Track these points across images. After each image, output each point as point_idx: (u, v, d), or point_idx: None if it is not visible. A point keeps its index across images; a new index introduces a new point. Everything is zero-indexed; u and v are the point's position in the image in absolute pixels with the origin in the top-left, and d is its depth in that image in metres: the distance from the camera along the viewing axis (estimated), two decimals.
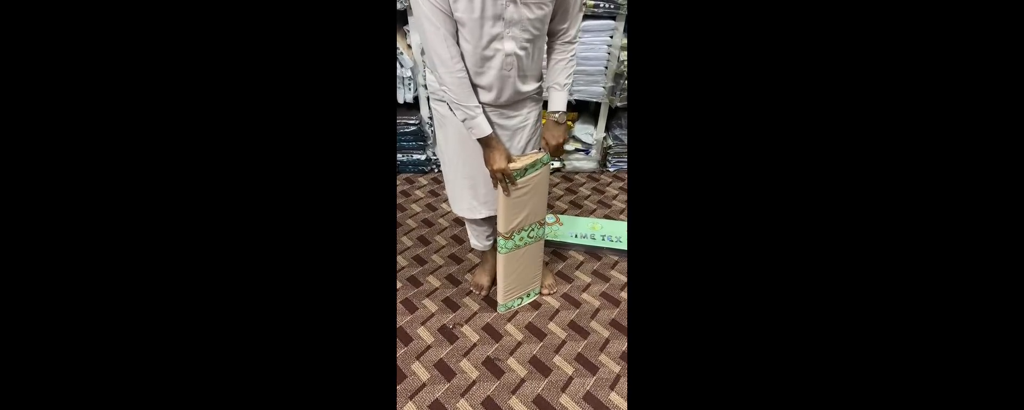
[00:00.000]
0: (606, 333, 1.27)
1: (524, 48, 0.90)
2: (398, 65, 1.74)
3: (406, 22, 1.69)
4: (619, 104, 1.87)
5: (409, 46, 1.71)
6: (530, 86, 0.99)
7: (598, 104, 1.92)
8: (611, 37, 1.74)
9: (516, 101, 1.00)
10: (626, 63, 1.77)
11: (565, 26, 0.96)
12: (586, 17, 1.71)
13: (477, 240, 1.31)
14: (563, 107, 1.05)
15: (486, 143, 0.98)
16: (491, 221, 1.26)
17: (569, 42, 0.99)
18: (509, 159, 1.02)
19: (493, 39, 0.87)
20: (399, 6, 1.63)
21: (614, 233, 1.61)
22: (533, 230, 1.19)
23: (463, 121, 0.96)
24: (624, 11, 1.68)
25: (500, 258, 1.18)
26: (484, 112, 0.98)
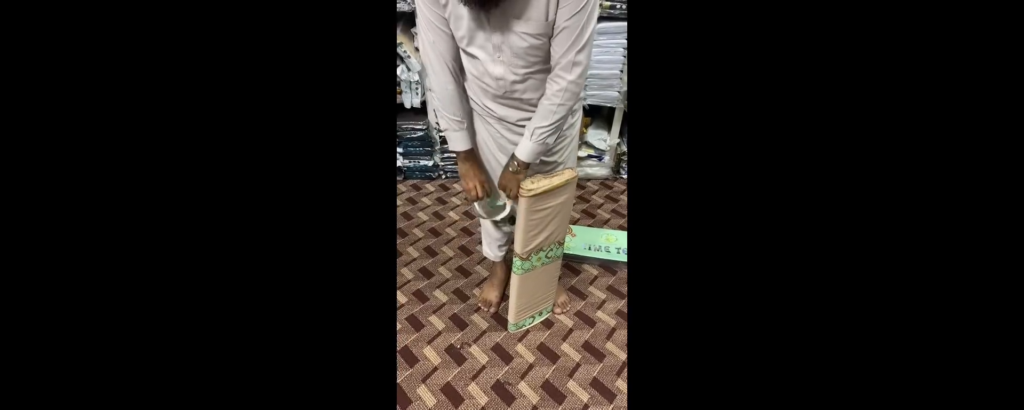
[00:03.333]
0: (623, 355, 1.20)
1: (519, 75, 0.83)
2: (405, 68, 1.68)
3: (414, 23, 1.62)
4: None
5: (417, 48, 1.65)
6: (531, 112, 0.91)
7: (612, 109, 1.85)
8: (626, 39, 1.66)
9: (521, 122, 0.93)
10: None
11: (555, 47, 0.78)
12: (600, 19, 1.64)
13: (490, 249, 1.24)
14: (523, 157, 0.90)
15: (460, 158, 1.00)
16: (507, 229, 1.18)
17: (554, 76, 0.82)
18: (483, 187, 1.02)
19: (484, 59, 0.83)
20: (406, 7, 1.57)
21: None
22: (552, 250, 1.12)
23: (445, 130, 0.97)
24: None
25: (514, 279, 1.11)
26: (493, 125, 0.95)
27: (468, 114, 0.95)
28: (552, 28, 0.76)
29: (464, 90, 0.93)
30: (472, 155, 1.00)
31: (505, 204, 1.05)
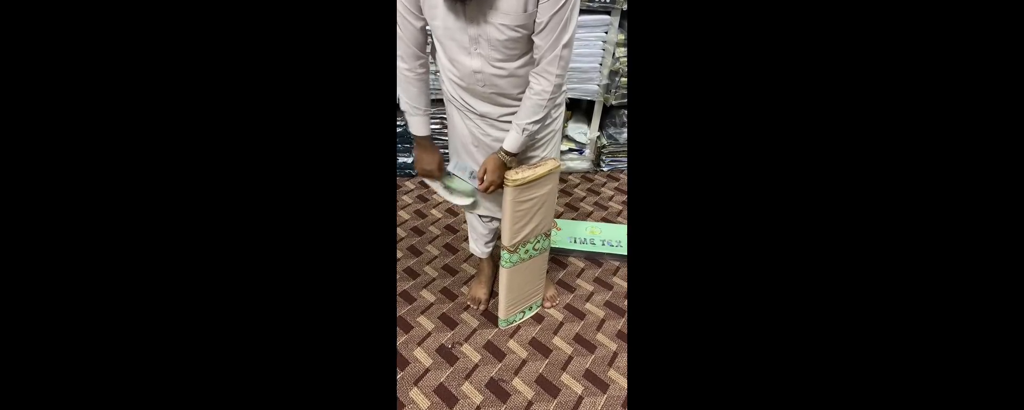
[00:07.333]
0: (613, 346, 1.21)
1: (497, 68, 0.82)
2: None
3: None
4: (614, 102, 1.81)
5: None
6: (515, 106, 0.90)
7: (591, 102, 1.86)
8: (606, 32, 1.67)
9: (503, 118, 0.92)
10: (621, 60, 1.71)
11: (539, 41, 0.77)
12: (580, 11, 1.63)
13: (477, 245, 1.23)
14: (511, 148, 0.89)
15: (417, 143, 0.99)
16: (493, 225, 1.17)
17: (538, 72, 0.80)
18: (440, 164, 1.01)
19: (461, 51, 0.81)
20: None
21: (613, 238, 1.55)
22: (539, 242, 1.12)
23: (404, 111, 0.96)
24: (620, 6, 1.61)
25: (503, 272, 1.10)
26: (473, 119, 0.95)
27: (429, 103, 0.95)
28: (531, 21, 0.75)
29: (427, 79, 0.92)
30: (430, 141, 0.99)
31: (470, 189, 1.05)
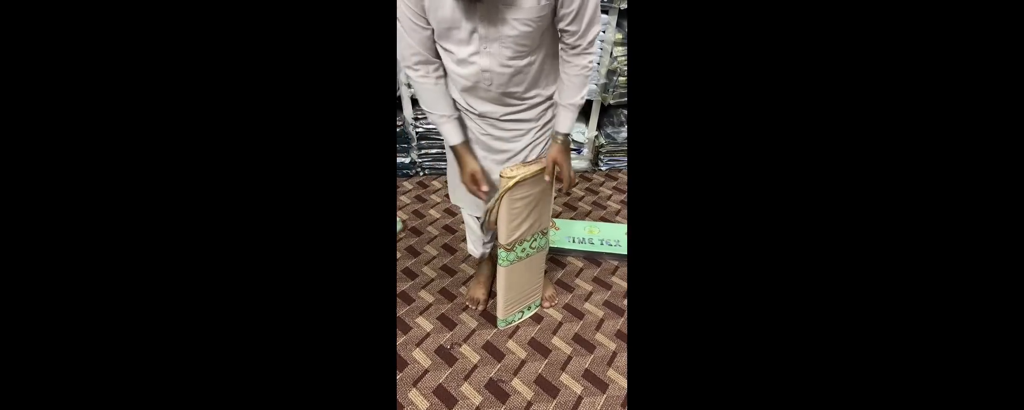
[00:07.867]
0: (612, 346, 1.21)
1: (507, 66, 0.82)
2: None
3: None
4: (612, 101, 1.81)
5: None
6: (518, 106, 0.90)
7: (589, 101, 1.85)
8: (604, 32, 1.67)
9: (505, 118, 0.92)
10: (619, 59, 1.71)
11: (573, 28, 0.79)
12: None
13: (474, 246, 1.22)
14: (565, 130, 0.92)
15: (454, 151, 0.97)
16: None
17: (579, 52, 0.83)
18: (483, 173, 0.97)
19: (469, 52, 0.81)
20: None
21: (612, 237, 1.55)
22: (536, 240, 1.11)
23: (435, 124, 0.95)
24: (618, 5, 1.61)
25: (501, 271, 1.10)
26: (474, 121, 0.94)
27: (454, 106, 0.93)
28: (545, 14, 0.76)
29: (445, 83, 0.90)
30: (467, 147, 0.95)
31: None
